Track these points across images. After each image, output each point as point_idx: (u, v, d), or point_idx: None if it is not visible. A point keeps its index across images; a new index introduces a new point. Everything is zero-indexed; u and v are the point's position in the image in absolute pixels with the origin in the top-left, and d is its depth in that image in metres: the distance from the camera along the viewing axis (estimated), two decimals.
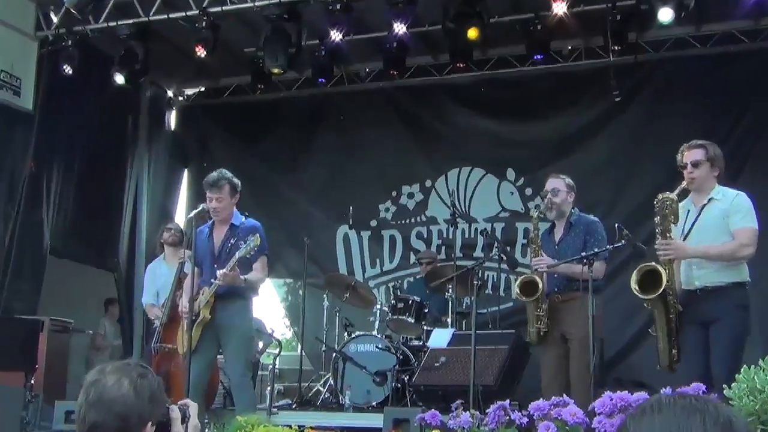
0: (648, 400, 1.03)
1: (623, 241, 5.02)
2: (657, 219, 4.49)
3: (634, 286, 4.43)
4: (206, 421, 5.32)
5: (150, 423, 2.01)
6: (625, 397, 3.87)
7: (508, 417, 4.11)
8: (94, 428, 1.93)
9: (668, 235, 4.48)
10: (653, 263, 4.45)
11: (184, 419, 2.14)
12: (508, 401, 4.25)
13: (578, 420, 3.87)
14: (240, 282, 5.23)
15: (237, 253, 5.14)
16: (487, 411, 4.21)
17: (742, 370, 3.47)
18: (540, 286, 5.20)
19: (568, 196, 5.46)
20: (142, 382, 2.00)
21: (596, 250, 5.06)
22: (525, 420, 4.04)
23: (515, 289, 5.40)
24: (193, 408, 2.21)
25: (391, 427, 4.67)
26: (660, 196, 4.47)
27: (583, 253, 5.06)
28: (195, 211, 5.49)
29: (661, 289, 4.35)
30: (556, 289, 5.33)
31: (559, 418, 3.90)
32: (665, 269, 4.41)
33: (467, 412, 4.29)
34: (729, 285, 4.47)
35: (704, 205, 4.56)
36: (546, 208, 5.48)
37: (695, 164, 4.56)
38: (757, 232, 4.48)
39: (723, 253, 4.49)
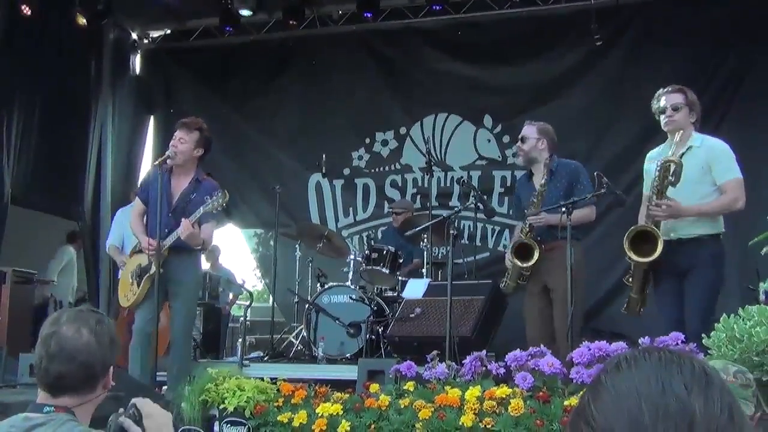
0: (620, 355, 1.00)
1: (603, 190, 4.97)
2: (655, 180, 4.42)
3: (628, 252, 4.39)
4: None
5: (111, 367, 2.05)
6: (603, 346, 3.85)
7: (484, 368, 4.07)
8: (60, 379, 1.95)
9: (664, 195, 4.41)
10: (645, 225, 4.41)
11: (139, 422, 1.98)
12: (484, 352, 4.20)
13: (555, 370, 3.83)
14: (198, 241, 5.17)
15: (202, 207, 5.04)
16: (463, 362, 4.16)
17: (721, 319, 3.48)
18: (536, 253, 5.12)
19: (538, 143, 5.36)
20: (101, 328, 2.01)
21: (575, 198, 4.99)
22: (502, 370, 4.02)
23: (509, 256, 5.30)
24: (146, 405, 2.02)
25: (366, 378, 4.57)
26: (663, 159, 4.40)
27: (563, 201, 4.99)
28: (161, 159, 5.32)
29: (657, 252, 4.30)
30: (539, 238, 5.24)
31: (537, 368, 3.86)
32: (654, 228, 4.37)
33: (443, 362, 4.24)
34: (705, 236, 4.47)
35: (683, 153, 4.49)
36: (516, 155, 5.47)
37: (675, 108, 4.52)
38: (743, 180, 4.46)
39: (717, 209, 4.48)
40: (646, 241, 4.37)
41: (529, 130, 5.39)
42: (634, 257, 4.39)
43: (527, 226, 5.24)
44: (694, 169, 4.46)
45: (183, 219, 5.07)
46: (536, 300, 5.31)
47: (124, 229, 6.63)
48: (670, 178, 4.35)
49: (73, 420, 1.95)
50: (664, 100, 4.55)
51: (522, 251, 5.22)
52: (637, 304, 4.62)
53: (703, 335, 3.52)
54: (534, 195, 5.25)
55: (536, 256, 5.13)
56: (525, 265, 5.18)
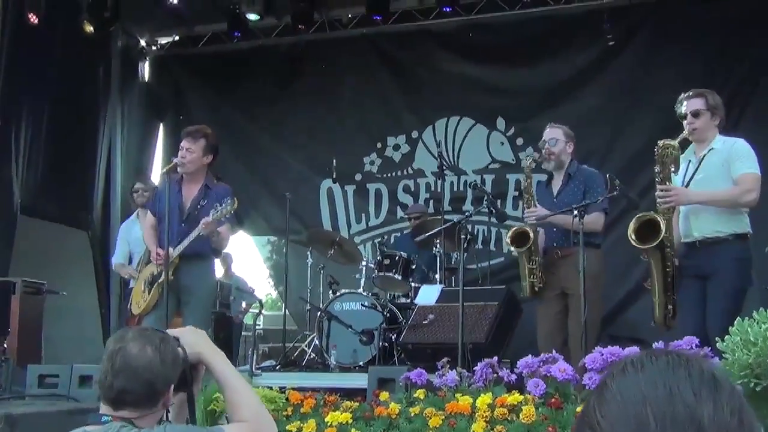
0: (626, 359, 0.97)
1: (615, 192, 4.89)
2: (657, 167, 4.36)
3: (631, 235, 4.31)
4: None
5: (172, 384, 2.14)
6: (615, 352, 3.76)
7: (495, 374, 3.97)
8: (123, 394, 2.04)
9: (668, 183, 4.35)
10: (651, 213, 4.34)
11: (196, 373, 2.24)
12: (495, 358, 4.12)
13: (568, 376, 3.75)
14: (215, 232, 5.08)
15: (211, 215, 4.97)
16: (475, 368, 4.07)
17: (735, 322, 3.38)
18: (531, 236, 5.03)
19: (567, 146, 5.27)
20: (165, 347, 2.10)
21: (587, 201, 4.90)
22: (513, 377, 3.92)
23: (506, 240, 5.26)
24: (176, 331, 2.24)
25: (376, 386, 4.48)
26: (661, 143, 4.34)
27: (574, 205, 4.90)
28: (168, 167, 5.30)
29: (660, 238, 4.23)
30: (555, 244, 5.18)
31: (549, 374, 3.77)
32: (663, 219, 4.29)
33: (454, 370, 4.15)
34: (729, 236, 4.35)
35: (704, 155, 4.42)
36: (543, 159, 5.28)
37: (695, 114, 4.44)
38: (760, 178, 4.35)
39: (726, 199, 4.37)
40: (652, 232, 4.29)
41: (557, 133, 5.28)
42: (638, 244, 4.32)
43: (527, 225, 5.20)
44: (716, 168, 4.39)
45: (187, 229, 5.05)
46: (552, 304, 5.22)
47: (129, 244, 6.63)
48: (669, 165, 4.31)
49: (128, 426, 2.03)
50: (685, 106, 4.47)
51: (519, 238, 5.14)
52: (662, 311, 4.48)
53: (717, 339, 3.42)
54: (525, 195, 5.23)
55: (532, 236, 5.05)
56: (519, 250, 5.10)
